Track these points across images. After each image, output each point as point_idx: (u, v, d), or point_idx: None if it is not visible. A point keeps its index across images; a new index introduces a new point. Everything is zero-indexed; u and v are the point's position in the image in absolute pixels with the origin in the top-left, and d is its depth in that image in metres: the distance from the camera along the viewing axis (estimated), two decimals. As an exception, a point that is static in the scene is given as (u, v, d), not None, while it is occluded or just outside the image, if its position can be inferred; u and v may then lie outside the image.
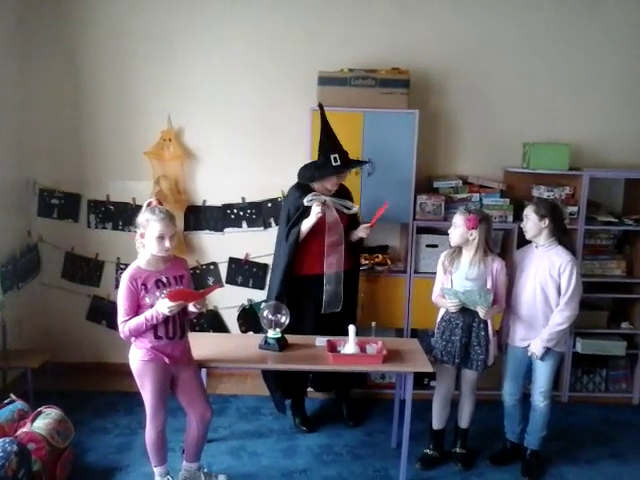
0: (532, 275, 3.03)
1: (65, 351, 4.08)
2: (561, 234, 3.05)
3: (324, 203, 3.24)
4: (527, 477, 3.11)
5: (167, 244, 2.61)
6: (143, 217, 2.61)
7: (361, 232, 3.36)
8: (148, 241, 2.60)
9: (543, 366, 3.06)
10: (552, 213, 3.01)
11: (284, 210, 3.40)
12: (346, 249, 3.40)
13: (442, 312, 3.15)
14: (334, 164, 3.23)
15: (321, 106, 3.33)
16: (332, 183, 3.29)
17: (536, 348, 3.01)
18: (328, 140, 3.28)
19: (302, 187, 3.33)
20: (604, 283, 3.90)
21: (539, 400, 3.09)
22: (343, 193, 3.41)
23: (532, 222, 3.01)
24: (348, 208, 3.36)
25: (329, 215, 3.29)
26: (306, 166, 3.37)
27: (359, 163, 3.48)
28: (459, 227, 2.99)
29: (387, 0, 3.90)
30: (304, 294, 3.35)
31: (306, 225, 3.24)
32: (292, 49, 3.94)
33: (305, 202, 3.25)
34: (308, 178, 3.31)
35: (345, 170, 3.32)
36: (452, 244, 3.08)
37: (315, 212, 3.17)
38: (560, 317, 2.97)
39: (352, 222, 3.42)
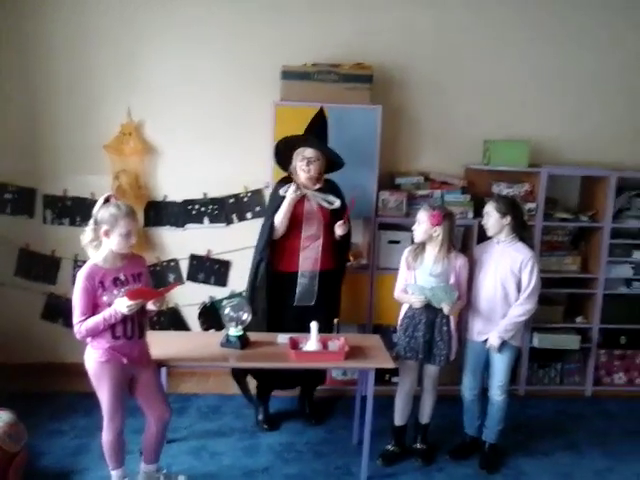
0: (492, 271, 3.08)
1: (19, 351, 3.96)
2: (521, 230, 3.11)
3: (298, 189, 3.20)
4: (485, 470, 3.17)
5: (133, 240, 2.57)
6: (107, 213, 2.52)
7: (337, 230, 3.31)
8: (113, 238, 2.53)
9: (500, 360, 3.12)
10: (513, 210, 3.07)
11: (267, 206, 3.40)
12: (328, 246, 3.36)
13: (405, 308, 3.16)
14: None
15: (322, 109, 3.39)
16: (299, 166, 3.25)
17: (493, 339, 3.06)
18: (309, 129, 3.33)
19: (284, 181, 3.30)
20: (560, 278, 4.00)
21: (497, 394, 3.15)
22: (330, 189, 3.35)
23: (493, 219, 3.06)
24: (330, 203, 3.29)
25: (307, 207, 3.26)
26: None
27: (316, 144, 3.30)
28: (423, 223, 3.02)
29: (350, -6, 3.89)
30: (281, 290, 3.32)
31: (282, 211, 3.20)
32: (255, 43, 3.88)
33: (281, 192, 3.22)
34: (280, 155, 3.34)
35: (302, 143, 3.26)
36: (416, 240, 3.10)
37: (289, 192, 3.14)
38: (519, 310, 3.04)
39: (338, 218, 3.32)
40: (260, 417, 3.53)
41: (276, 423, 3.55)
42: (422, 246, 3.09)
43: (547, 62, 4.06)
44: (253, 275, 3.36)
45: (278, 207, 3.24)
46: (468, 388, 3.25)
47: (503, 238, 3.09)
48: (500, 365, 3.12)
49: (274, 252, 3.31)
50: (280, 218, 3.22)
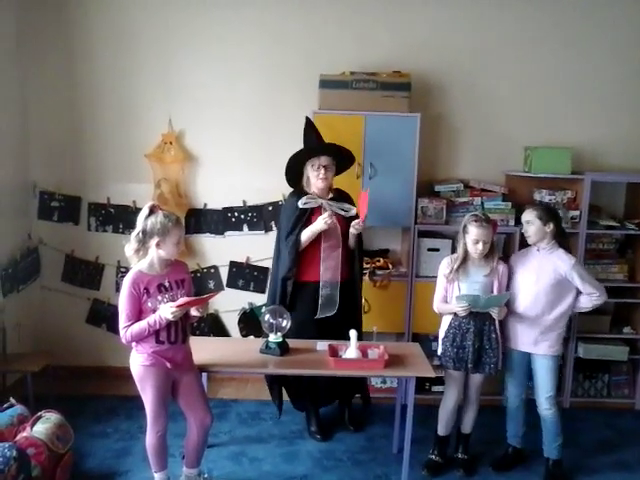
0: (534, 279, 3.03)
1: (65, 355, 4.06)
2: (561, 237, 3.08)
3: (321, 206, 3.24)
4: None
5: (182, 248, 2.67)
6: (157, 223, 2.56)
7: (353, 229, 3.27)
8: (164, 247, 2.58)
9: (544, 370, 3.05)
10: (554, 217, 3.04)
11: (281, 218, 3.38)
12: (347, 255, 3.34)
13: (448, 319, 3.11)
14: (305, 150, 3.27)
15: (308, 119, 3.37)
16: (314, 176, 3.23)
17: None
18: (309, 140, 3.33)
19: (297, 192, 3.31)
20: (606, 287, 3.86)
21: (545, 408, 3.07)
22: (342, 197, 3.37)
23: (535, 227, 3.02)
24: (345, 210, 3.30)
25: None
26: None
27: (330, 146, 3.28)
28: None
29: (388, 3, 3.90)
30: (302, 300, 3.30)
31: (310, 231, 3.20)
32: (294, 52, 3.94)
33: (300, 204, 3.23)
34: (291, 172, 3.32)
35: (317, 152, 3.23)
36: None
37: (324, 220, 3.13)
38: (594, 291, 3.04)
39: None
40: (313, 428, 3.50)
41: (329, 433, 3.52)
42: (465, 256, 3.04)
43: (589, 66, 3.99)
44: (281, 292, 3.29)
45: (297, 219, 3.22)
46: (513, 395, 3.19)
47: (544, 245, 3.04)
48: (545, 375, 3.05)
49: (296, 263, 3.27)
50: (308, 237, 3.20)
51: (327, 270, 3.28)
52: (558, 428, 3.09)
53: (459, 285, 3.04)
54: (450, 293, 3.07)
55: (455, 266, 3.03)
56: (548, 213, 3.04)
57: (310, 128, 3.34)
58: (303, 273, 3.29)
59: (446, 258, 3.14)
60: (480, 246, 2.96)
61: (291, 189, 3.42)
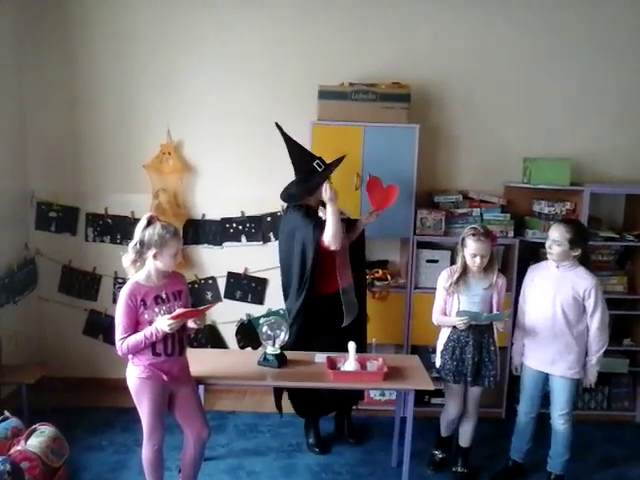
0: (551, 295, 2.97)
1: (61, 366, 4.03)
2: (584, 257, 3.00)
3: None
4: None
5: (179, 259, 2.65)
6: (156, 235, 2.54)
7: (365, 219, 3.36)
8: (161, 259, 2.56)
9: (562, 390, 3.00)
10: (584, 242, 2.96)
11: (294, 231, 3.21)
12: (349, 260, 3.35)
13: (447, 332, 3.09)
14: (320, 170, 3.20)
15: (278, 125, 3.27)
16: (323, 190, 3.19)
17: (591, 378, 3.01)
18: (302, 153, 3.27)
19: (299, 208, 3.24)
20: (606, 300, 3.86)
21: (559, 423, 3.03)
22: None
23: (562, 249, 2.91)
24: (342, 214, 3.29)
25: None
26: (292, 187, 3.28)
27: (339, 160, 3.30)
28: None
29: (387, 15, 3.91)
30: (319, 313, 3.25)
31: (334, 216, 3.08)
32: (292, 63, 3.94)
33: (321, 214, 3.19)
34: (304, 193, 3.21)
35: (333, 169, 3.24)
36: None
37: (329, 192, 3.08)
38: (598, 345, 2.98)
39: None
40: (311, 440, 3.48)
41: (327, 446, 3.49)
42: (464, 269, 3.02)
43: (587, 78, 4.00)
44: (302, 300, 3.20)
45: (314, 229, 3.13)
46: (524, 412, 3.14)
47: (564, 263, 2.97)
48: (563, 395, 3.00)
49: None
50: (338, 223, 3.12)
51: (343, 277, 3.26)
52: (568, 443, 3.05)
53: (459, 298, 3.02)
54: (449, 305, 3.06)
55: (454, 279, 3.01)
56: (579, 238, 2.91)
57: (295, 142, 3.27)
58: (323, 286, 3.22)
59: (445, 270, 3.12)
60: (478, 260, 2.94)
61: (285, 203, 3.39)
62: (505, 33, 3.95)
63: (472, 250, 2.94)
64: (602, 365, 3.75)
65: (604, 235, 3.83)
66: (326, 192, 3.09)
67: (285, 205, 3.45)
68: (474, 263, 2.95)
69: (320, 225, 3.14)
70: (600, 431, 3.81)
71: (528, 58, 3.97)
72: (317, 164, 3.22)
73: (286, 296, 3.39)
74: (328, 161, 3.28)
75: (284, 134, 3.27)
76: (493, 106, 4.01)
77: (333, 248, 3.11)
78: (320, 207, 3.26)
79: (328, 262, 3.20)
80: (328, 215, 3.10)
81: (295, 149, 3.26)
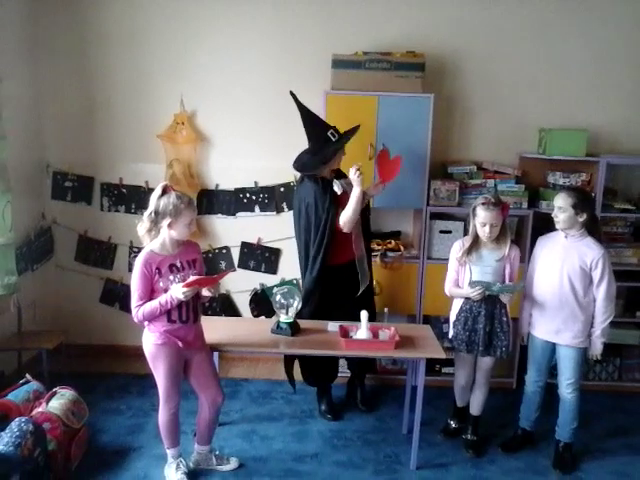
0: (559, 265, 2.96)
1: (78, 333, 4.12)
2: (592, 225, 2.98)
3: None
4: (559, 470, 3.08)
5: (193, 228, 2.67)
6: (169, 204, 2.56)
7: (372, 191, 3.35)
8: (175, 228, 2.59)
9: (569, 359, 3.02)
10: (589, 207, 2.95)
11: (308, 202, 3.22)
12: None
13: (459, 302, 3.11)
14: (334, 139, 3.20)
15: (292, 93, 3.26)
16: (339, 160, 3.25)
17: (596, 350, 3.01)
18: (316, 122, 3.26)
19: (315, 179, 3.24)
20: (619, 271, 3.82)
21: (567, 392, 3.05)
22: (343, 176, 3.34)
23: (567, 215, 2.90)
24: (366, 194, 3.29)
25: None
26: (306, 156, 3.28)
27: (354, 130, 3.31)
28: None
29: (403, -18, 3.84)
30: (334, 283, 3.28)
31: (357, 202, 3.13)
32: (306, 32, 3.89)
33: (336, 190, 3.19)
34: (319, 163, 3.21)
35: (348, 139, 3.25)
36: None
37: (357, 177, 3.09)
38: (604, 316, 2.96)
39: None
40: (323, 407, 3.55)
41: (339, 413, 3.55)
42: (475, 239, 3.02)
43: (604, 47, 3.90)
44: (317, 270, 3.23)
45: (330, 205, 3.16)
46: (532, 381, 3.17)
47: (573, 233, 2.95)
48: (569, 363, 3.02)
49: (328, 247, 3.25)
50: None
51: (357, 247, 3.30)
52: (575, 412, 3.08)
53: (470, 269, 3.02)
54: (462, 276, 3.07)
55: (466, 248, 3.01)
56: (583, 202, 2.90)
57: (309, 111, 3.27)
58: (337, 256, 3.26)
59: (458, 241, 3.13)
60: (487, 229, 2.93)
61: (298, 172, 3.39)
62: (522, 3, 3.85)
63: (482, 219, 2.93)
64: (613, 336, 3.82)
65: (619, 207, 3.79)
66: (355, 176, 3.10)
67: (299, 175, 3.43)
68: (484, 232, 2.95)
69: (335, 201, 3.17)
70: (610, 401, 3.84)
71: (544, 28, 3.88)
72: (331, 134, 3.21)
73: (302, 266, 3.40)
74: (342, 131, 3.26)
75: (298, 103, 3.26)
76: (509, 76, 3.95)
77: (345, 231, 3.18)
78: (334, 179, 3.25)
79: (341, 233, 3.22)
80: (352, 198, 3.13)
81: (309, 118, 3.25)
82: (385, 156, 3.37)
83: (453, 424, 3.35)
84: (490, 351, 3.07)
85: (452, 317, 3.17)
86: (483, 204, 2.93)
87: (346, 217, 3.15)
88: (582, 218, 2.91)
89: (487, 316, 3.01)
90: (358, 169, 3.11)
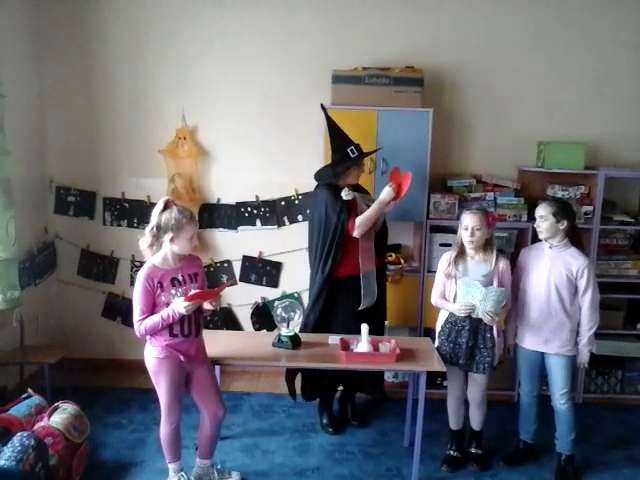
0: (545, 276, 3.00)
1: (80, 347, 4.14)
2: (573, 235, 3.03)
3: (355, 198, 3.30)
4: None
5: (195, 243, 2.70)
6: (171, 219, 2.59)
7: (386, 207, 3.34)
8: (177, 242, 2.61)
9: (558, 368, 3.04)
10: (569, 215, 2.99)
11: (320, 206, 3.27)
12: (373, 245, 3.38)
13: (445, 314, 3.11)
14: (352, 156, 3.26)
15: (323, 107, 3.37)
16: (354, 176, 3.31)
17: (583, 358, 3.03)
18: (340, 136, 3.31)
19: (329, 186, 3.30)
20: (619, 283, 3.86)
21: (560, 402, 3.06)
22: (362, 191, 3.43)
23: (549, 223, 2.97)
24: (373, 201, 3.34)
25: (361, 211, 3.28)
26: (324, 167, 3.40)
27: (373, 151, 3.47)
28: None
29: (402, -1, 3.90)
30: (341, 295, 3.31)
31: (375, 211, 3.24)
32: (306, 47, 3.95)
33: (343, 196, 3.24)
34: (331, 175, 3.29)
35: (363, 158, 3.34)
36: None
37: (388, 192, 3.24)
38: (589, 324, 2.99)
39: None
40: (324, 421, 3.54)
41: (340, 426, 3.55)
42: (462, 249, 3.03)
43: (603, 61, 3.96)
44: (329, 267, 3.26)
45: (340, 209, 3.21)
46: (526, 392, 3.18)
47: (556, 243, 3.00)
48: (560, 372, 3.04)
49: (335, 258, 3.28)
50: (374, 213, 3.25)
51: (365, 261, 3.31)
52: (572, 423, 3.08)
53: (457, 282, 3.02)
54: (448, 290, 3.06)
55: (452, 257, 3.02)
56: (563, 210, 2.97)
57: (335, 126, 3.34)
58: (344, 268, 3.28)
59: (446, 254, 3.13)
60: (469, 233, 2.94)
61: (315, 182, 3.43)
62: (520, 18, 3.91)
63: (464, 222, 2.97)
64: (615, 349, 3.86)
65: (618, 219, 3.82)
66: (390, 189, 3.25)
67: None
68: (466, 237, 2.95)
69: (346, 207, 3.23)
70: (612, 414, 3.83)
71: (543, 42, 3.94)
72: (351, 150, 3.28)
73: (312, 268, 3.41)
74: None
75: (327, 116, 3.34)
76: (507, 90, 3.99)
77: (355, 235, 3.22)
78: (346, 188, 3.29)
79: (352, 244, 3.26)
80: (374, 204, 3.25)
81: (334, 132, 3.32)
82: (397, 173, 3.39)
83: (453, 453, 3.22)
84: (472, 366, 3.05)
85: (437, 327, 3.17)
86: (467, 210, 3.00)
87: (361, 220, 3.22)
88: (563, 226, 2.96)
89: (471, 331, 3.00)
90: (391, 186, 3.26)
